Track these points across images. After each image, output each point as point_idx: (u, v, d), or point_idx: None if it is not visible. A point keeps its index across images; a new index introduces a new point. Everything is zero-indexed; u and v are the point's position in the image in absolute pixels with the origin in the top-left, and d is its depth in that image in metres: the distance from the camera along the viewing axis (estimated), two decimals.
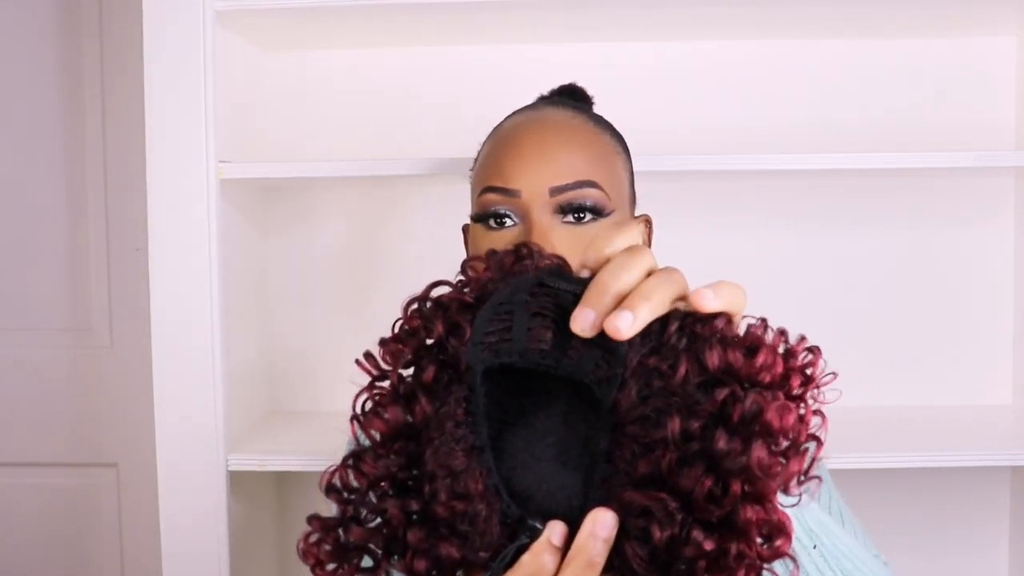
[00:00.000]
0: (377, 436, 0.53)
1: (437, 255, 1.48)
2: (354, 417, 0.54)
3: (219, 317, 1.28)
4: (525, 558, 0.48)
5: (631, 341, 0.48)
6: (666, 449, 0.46)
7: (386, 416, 0.53)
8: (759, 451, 0.45)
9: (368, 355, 0.54)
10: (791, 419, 0.46)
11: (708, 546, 0.45)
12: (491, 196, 0.83)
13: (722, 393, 0.46)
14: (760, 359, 0.47)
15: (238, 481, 1.34)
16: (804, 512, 0.62)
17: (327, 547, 0.53)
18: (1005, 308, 1.51)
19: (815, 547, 0.64)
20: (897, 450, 1.28)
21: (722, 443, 0.45)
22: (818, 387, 0.49)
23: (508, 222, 0.82)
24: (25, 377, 1.65)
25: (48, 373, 1.65)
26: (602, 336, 0.48)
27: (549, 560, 0.48)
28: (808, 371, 0.49)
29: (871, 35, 1.48)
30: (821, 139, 1.49)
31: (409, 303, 0.54)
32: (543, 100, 0.96)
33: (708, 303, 0.49)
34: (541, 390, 0.52)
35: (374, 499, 0.53)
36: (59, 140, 1.62)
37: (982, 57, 1.49)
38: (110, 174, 1.61)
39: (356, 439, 0.54)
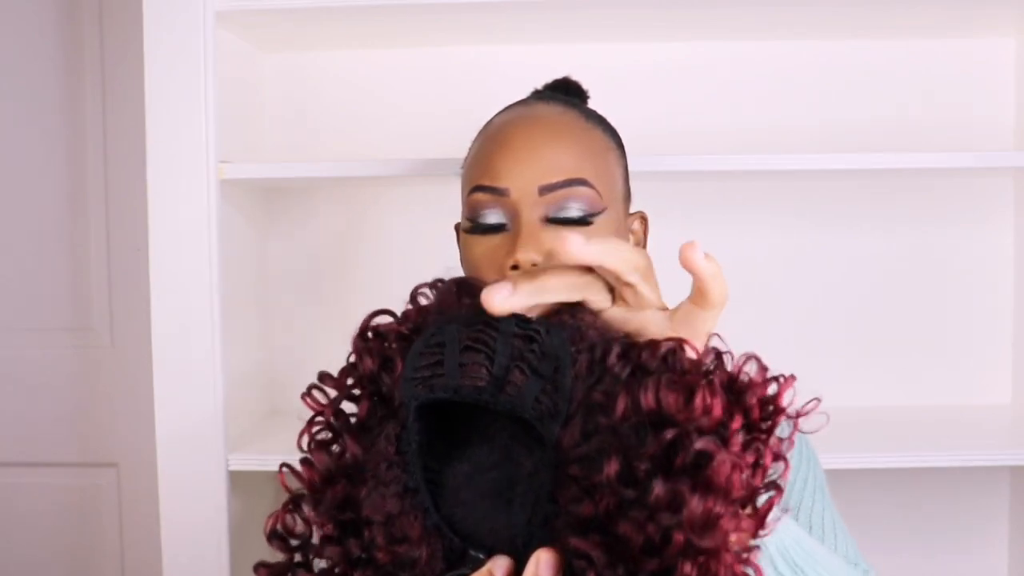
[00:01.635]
0: (309, 483, 0.51)
1: (438, 255, 1.47)
2: (283, 465, 0.52)
3: (219, 317, 1.28)
4: None
5: (577, 372, 0.45)
6: (604, 493, 0.43)
7: (314, 462, 0.51)
8: (695, 506, 0.41)
9: (313, 387, 0.52)
10: (737, 476, 0.42)
11: None
12: (479, 196, 0.82)
13: (668, 435, 0.42)
14: (696, 401, 0.43)
15: (238, 481, 1.34)
16: (792, 543, 0.61)
17: None
18: (1004, 308, 1.52)
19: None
20: (896, 450, 1.28)
21: (656, 493, 0.42)
22: (793, 418, 0.45)
23: (498, 221, 0.81)
24: (25, 377, 1.65)
25: (48, 373, 1.65)
26: (545, 365, 0.45)
27: None
28: (772, 405, 0.45)
29: (870, 36, 1.48)
30: (819, 140, 1.49)
31: (355, 332, 0.52)
32: (535, 96, 0.95)
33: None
34: (486, 422, 0.50)
35: (316, 543, 0.51)
36: (60, 140, 1.62)
37: (981, 58, 1.49)
38: (110, 174, 1.62)
39: (285, 487, 0.52)
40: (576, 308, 0.49)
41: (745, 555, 0.43)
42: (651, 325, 0.50)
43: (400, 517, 0.48)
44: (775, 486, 0.44)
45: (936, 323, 1.52)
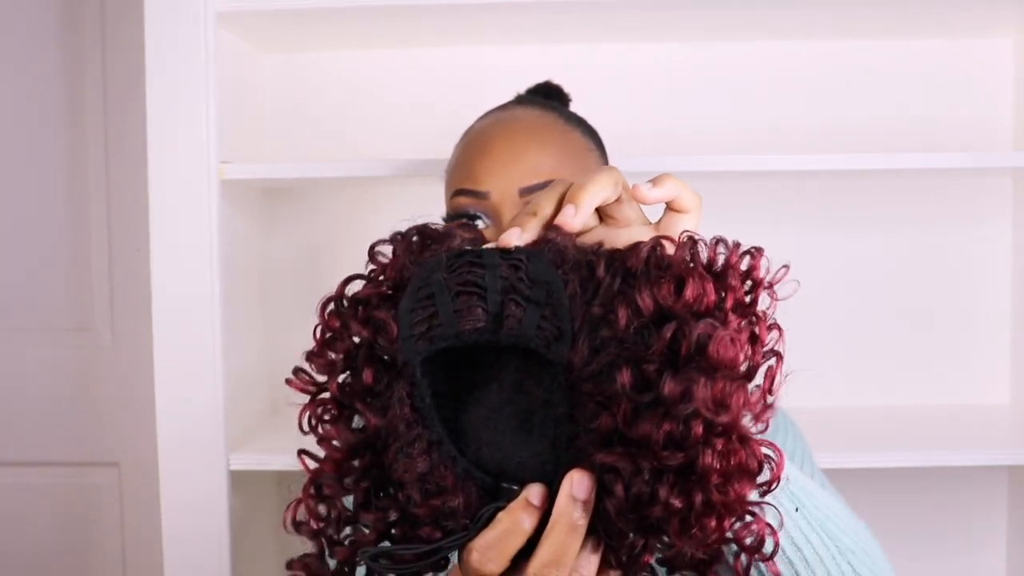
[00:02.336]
0: (333, 462, 0.51)
1: None
2: (301, 451, 0.53)
3: (220, 317, 1.28)
4: (501, 515, 0.48)
5: (572, 292, 0.46)
6: (620, 403, 0.44)
7: (336, 443, 0.51)
8: (703, 390, 0.43)
9: (299, 371, 0.53)
10: (734, 350, 0.44)
11: (676, 503, 0.43)
12: (461, 199, 0.83)
13: (668, 330, 0.44)
14: (689, 290, 0.45)
15: (239, 480, 1.34)
16: (787, 478, 0.62)
17: None
18: (1002, 308, 1.52)
19: (797, 510, 0.64)
20: (895, 450, 1.29)
21: (667, 389, 0.43)
22: (768, 287, 0.48)
23: (480, 224, 0.82)
24: (27, 376, 1.65)
25: (50, 373, 1.65)
26: (537, 291, 0.46)
27: (525, 518, 0.47)
28: (750, 279, 0.48)
29: (869, 36, 1.48)
30: (818, 140, 1.50)
31: (324, 304, 0.52)
32: (515, 100, 0.96)
33: (647, 195, 0.51)
34: (489, 360, 0.50)
35: (349, 514, 0.52)
36: (61, 141, 1.62)
37: (980, 58, 1.49)
38: (112, 175, 1.62)
39: (306, 468, 0.53)
40: (552, 230, 0.50)
41: (762, 440, 0.45)
42: (638, 236, 0.52)
43: (431, 472, 0.48)
44: (774, 352, 0.47)
45: (935, 323, 1.52)
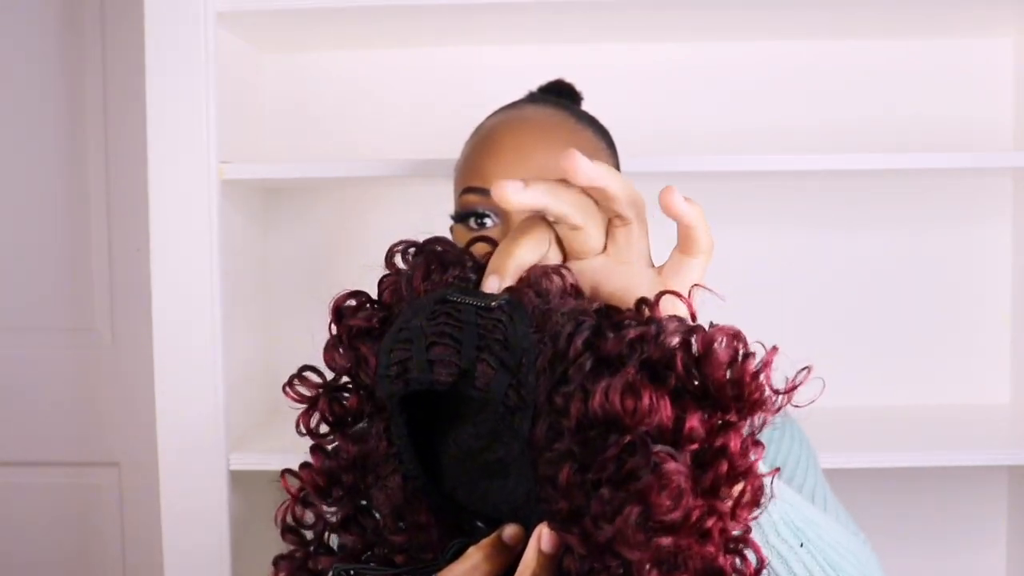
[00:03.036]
0: (312, 485, 0.52)
1: None
2: (284, 471, 0.54)
3: (220, 317, 1.28)
4: (472, 550, 0.47)
5: (540, 367, 0.44)
6: (562, 496, 0.43)
7: (313, 464, 0.52)
8: (626, 524, 0.39)
9: (294, 380, 0.53)
10: (671, 501, 0.39)
11: None
12: (470, 197, 0.83)
13: (617, 444, 0.41)
14: (644, 404, 0.40)
15: (239, 480, 1.34)
16: (789, 509, 0.61)
17: None
18: (1002, 308, 1.52)
19: (802, 545, 0.63)
20: (894, 450, 1.29)
21: (595, 507, 0.41)
22: (776, 394, 0.42)
23: (488, 222, 0.82)
24: (27, 376, 1.66)
25: (50, 373, 1.65)
26: (510, 356, 0.45)
27: (495, 555, 0.47)
28: (739, 388, 0.42)
29: (869, 36, 1.48)
30: (818, 140, 1.50)
31: (333, 309, 0.53)
32: (526, 98, 0.95)
33: (673, 203, 0.49)
34: (468, 402, 0.49)
35: (334, 522, 0.53)
36: (61, 140, 1.62)
37: (979, 58, 1.49)
38: (112, 174, 1.62)
39: (288, 490, 0.54)
40: (551, 272, 0.48)
41: (732, 544, 0.42)
42: (638, 281, 0.50)
43: (407, 504, 0.49)
44: (748, 472, 0.41)
45: (934, 323, 1.52)
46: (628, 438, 0.40)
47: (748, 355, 0.43)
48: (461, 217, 0.84)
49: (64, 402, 1.65)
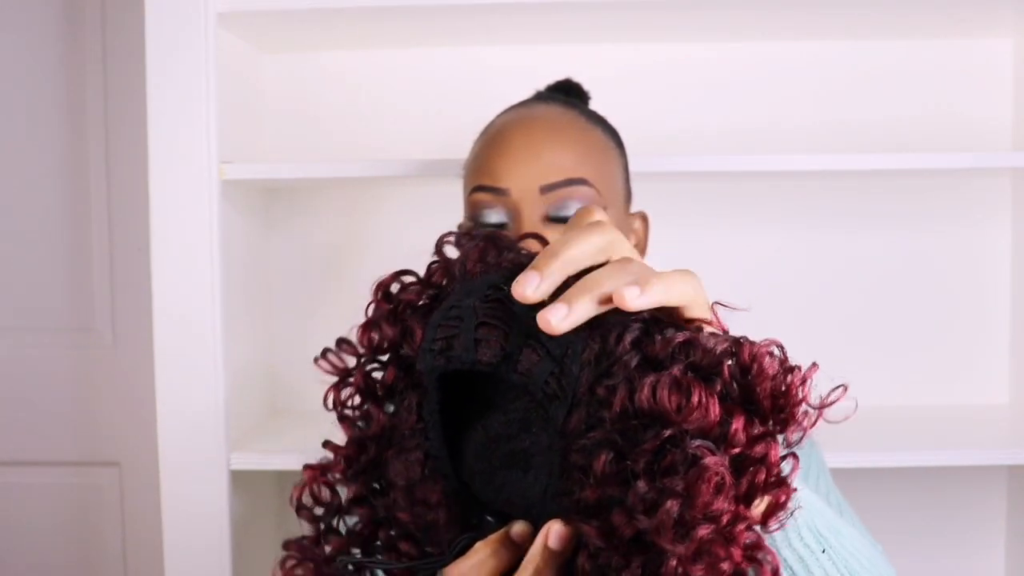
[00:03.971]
0: (344, 458, 0.52)
1: None
2: (326, 443, 0.54)
3: (221, 316, 1.28)
4: (479, 545, 0.47)
5: (586, 359, 0.44)
6: (595, 485, 0.43)
7: (344, 431, 0.52)
8: (666, 515, 0.40)
9: (327, 352, 0.53)
10: (711, 494, 0.39)
11: None
12: (480, 195, 0.82)
13: (662, 435, 0.41)
14: (693, 401, 0.41)
15: (240, 480, 1.35)
16: (815, 515, 0.60)
17: (305, 572, 0.53)
18: (1001, 308, 1.52)
19: (824, 551, 0.63)
20: (893, 449, 1.29)
21: (633, 497, 0.41)
22: (811, 408, 0.43)
23: (499, 221, 0.82)
24: (28, 376, 1.66)
25: (51, 372, 1.65)
26: (555, 346, 0.45)
27: (503, 552, 0.47)
28: (780, 400, 0.42)
29: (869, 37, 1.49)
30: (817, 140, 1.50)
31: (377, 289, 0.52)
32: (535, 97, 0.95)
33: (630, 302, 0.43)
34: (503, 390, 0.50)
35: (345, 506, 0.53)
36: (62, 140, 1.62)
37: (979, 59, 1.50)
38: (112, 175, 1.62)
39: (334, 447, 0.53)
40: None
41: (751, 552, 0.42)
42: (680, 289, 0.48)
43: (421, 483, 0.49)
44: (782, 483, 0.42)
45: (933, 323, 1.52)
46: (669, 432, 0.41)
47: (792, 369, 0.44)
48: (471, 216, 0.83)
49: (64, 402, 1.65)
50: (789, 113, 1.50)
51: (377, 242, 1.54)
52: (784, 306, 1.52)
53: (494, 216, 0.82)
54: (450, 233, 0.53)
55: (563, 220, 0.80)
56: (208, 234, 1.27)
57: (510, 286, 0.46)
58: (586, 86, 1.02)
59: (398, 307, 0.51)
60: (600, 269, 0.46)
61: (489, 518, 0.49)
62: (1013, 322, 1.51)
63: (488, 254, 0.51)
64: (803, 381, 0.43)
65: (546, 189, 0.80)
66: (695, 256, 1.49)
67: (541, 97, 0.94)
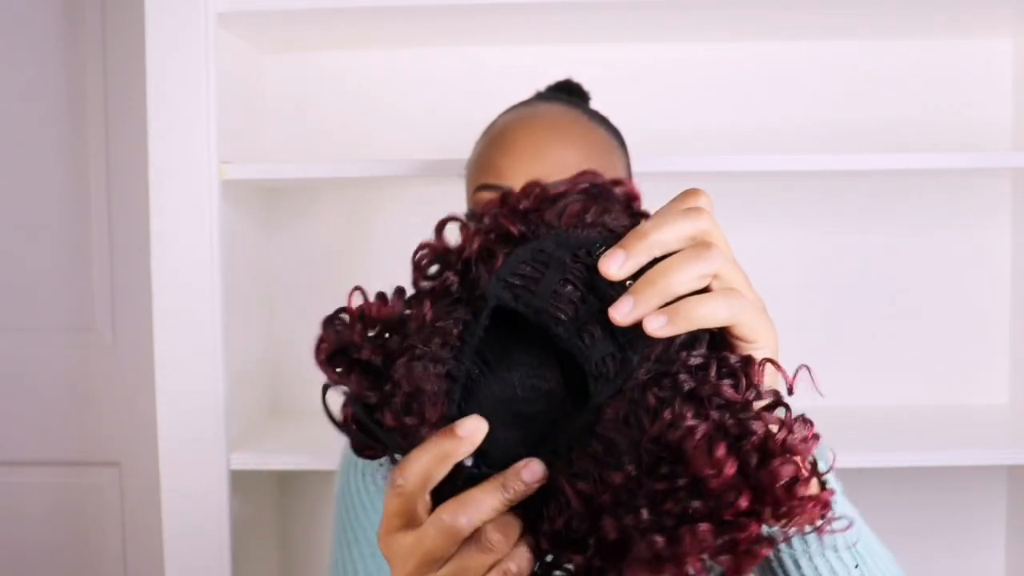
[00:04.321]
0: (378, 316, 0.51)
1: None
2: (356, 288, 0.53)
3: (221, 317, 1.28)
4: (433, 438, 0.47)
5: (648, 354, 0.45)
6: (603, 491, 0.44)
7: (387, 303, 0.51)
8: (645, 546, 0.42)
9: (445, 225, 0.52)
10: (697, 552, 0.41)
11: None
12: (485, 194, 0.82)
13: (677, 483, 0.42)
14: (716, 456, 0.42)
15: (240, 480, 1.35)
16: (856, 533, 0.61)
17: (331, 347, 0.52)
18: (1001, 308, 1.52)
19: (856, 567, 0.62)
20: (894, 450, 1.29)
21: (632, 517, 0.42)
22: (787, 514, 0.43)
23: None
24: (28, 376, 1.66)
25: (51, 372, 1.65)
26: (629, 336, 0.45)
27: (451, 447, 0.46)
28: (782, 510, 0.43)
29: (869, 37, 1.48)
30: (818, 140, 1.50)
31: (473, 215, 0.52)
32: (537, 97, 0.95)
33: (651, 332, 0.45)
34: (539, 345, 0.49)
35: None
36: (62, 141, 1.62)
37: (979, 59, 1.50)
38: (112, 175, 1.62)
39: (364, 308, 0.53)
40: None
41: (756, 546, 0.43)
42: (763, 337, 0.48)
43: (427, 395, 0.48)
44: (755, 557, 0.43)
45: (933, 323, 1.52)
46: (683, 482, 0.42)
47: (810, 479, 0.44)
48: (475, 215, 0.83)
49: (64, 402, 1.65)
50: (789, 113, 1.50)
51: (377, 242, 1.54)
52: (783, 305, 1.52)
53: None
54: (451, 217, 0.52)
55: None
56: (208, 234, 1.27)
57: (600, 252, 0.46)
58: (586, 86, 1.02)
59: (488, 237, 0.50)
60: (671, 260, 0.46)
61: (467, 462, 0.48)
62: (1013, 322, 1.51)
63: (588, 212, 0.50)
64: (818, 505, 0.44)
65: None
66: None
67: (543, 96, 0.94)
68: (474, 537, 0.46)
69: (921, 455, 1.27)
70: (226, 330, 1.30)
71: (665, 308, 0.45)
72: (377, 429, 0.49)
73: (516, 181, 0.80)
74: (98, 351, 1.65)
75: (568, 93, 0.97)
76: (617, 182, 0.52)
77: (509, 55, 1.50)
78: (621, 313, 0.45)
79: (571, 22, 1.38)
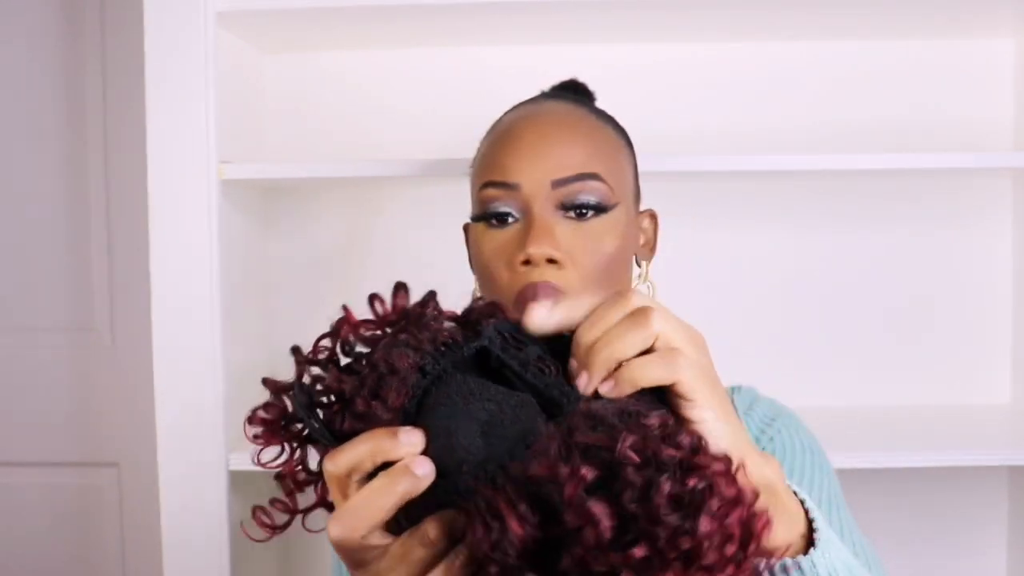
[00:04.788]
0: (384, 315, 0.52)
1: (439, 254, 1.48)
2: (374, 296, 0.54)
3: (220, 316, 1.28)
4: (364, 436, 0.48)
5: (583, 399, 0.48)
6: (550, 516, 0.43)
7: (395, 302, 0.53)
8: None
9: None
10: None
11: None
12: (491, 191, 0.81)
13: (577, 552, 0.41)
14: (593, 508, 0.41)
15: (239, 480, 1.34)
16: (830, 550, 0.60)
17: (269, 416, 0.52)
18: (1003, 308, 1.52)
19: None
20: (895, 450, 1.29)
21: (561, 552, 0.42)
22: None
23: (510, 219, 0.81)
24: (26, 376, 1.65)
25: (49, 372, 1.65)
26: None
27: (389, 447, 0.47)
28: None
29: (870, 37, 1.48)
30: (819, 140, 1.49)
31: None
32: (544, 94, 0.95)
33: (580, 387, 0.49)
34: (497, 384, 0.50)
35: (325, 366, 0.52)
36: (61, 141, 1.62)
37: (980, 59, 1.49)
38: (111, 175, 1.62)
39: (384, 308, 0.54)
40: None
41: None
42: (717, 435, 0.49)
43: (396, 379, 0.48)
44: None
45: (935, 323, 1.52)
46: (579, 553, 0.41)
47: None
48: (481, 216, 0.82)
49: (64, 402, 1.65)
50: (789, 113, 1.50)
51: (376, 242, 1.54)
52: (784, 305, 1.52)
53: (504, 210, 0.81)
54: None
55: (575, 216, 0.80)
56: (207, 234, 1.27)
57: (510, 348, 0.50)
58: (590, 86, 1.02)
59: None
60: (615, 331, 0.49)
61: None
62: (1014, 322, 1.51)
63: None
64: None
65: (557, 184, 0.79)
66: (695, 256, 1.49)
67: (550, 94, 0.94)
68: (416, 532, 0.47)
69: (922, 455, 1.27)
70: (225, 330, 1.29)
71: (612, 373, 0.49)
72: (311, 420, 0.51)
73: (523, 178, 0.80)
74: (97, 351, 1.64)
75: (574, 92, 0.97)
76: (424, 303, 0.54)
77: (509, 55, 1.50)
78: (580, 387, 0.49)
79: (571, 22, 1.38)
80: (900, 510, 1.53)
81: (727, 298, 1.51)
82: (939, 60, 1.49)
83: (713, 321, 1.49)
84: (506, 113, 0.89)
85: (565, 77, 1.02)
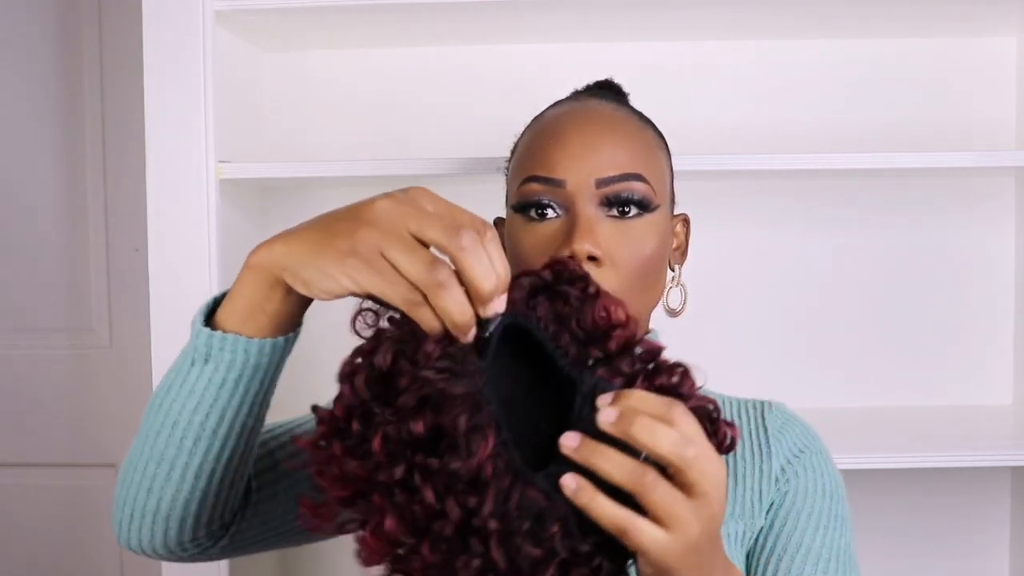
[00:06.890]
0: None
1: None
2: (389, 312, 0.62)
3: None
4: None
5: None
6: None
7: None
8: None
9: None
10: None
11: None
12: (534, 186, 0.81)
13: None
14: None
15: None
16: None
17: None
18: (1006, 308, 1.51)
19: None
20: (897, 450, 1.28)
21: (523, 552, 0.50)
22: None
23: (551, 213, 0.80)
24: (24, 377, 1.65)
25: (47, 373, 1.65)
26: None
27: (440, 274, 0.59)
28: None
29: (872, 35, 1.48)
30: (821, 139, 1.49)
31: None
32: (586, 91, 0.95)
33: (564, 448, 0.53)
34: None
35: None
36: (59, 140, 1.62)
37: (983, 57, 1.49)
38: (109, 174, 1.61)
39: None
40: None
41: None
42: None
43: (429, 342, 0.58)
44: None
45: (937, 323, 1.51)
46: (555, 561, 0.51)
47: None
48: (521, 207, 0.82)
49: (61, 403, 1.65)
50: (793, 112, 1.50)
51: None
52: (785, 306, 1.51)
53: (546, 204, 0.81)
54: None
55: (618, 214, 0.80)
56: (206, 234, 1.26)
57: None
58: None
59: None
60: (659, 432, 0.52)
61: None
62: (1017, 322, 1.51)
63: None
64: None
65: (602, 183, 0.79)
66: (698, 255, 1.48)
67: (591, 92, 0.94)
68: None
69: (925, 456, 1.26)
70: None
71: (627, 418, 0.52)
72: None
73: (569, 174, 0.80)
74: (95, 352, 1.64)
75: (611, 91, 0.97)
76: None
77: (510, 55, 1.49)
78: (606, 422, 0.52)
79: (573, 21, 1.37)
80: (902, 511, 1.53)
81: (727, 298, 1.50)
82: (942, 59, 1.49)
83: (715, 320, 1.49)
84: (548, 109, 0.89)
85: (567, 80, 1.02)
